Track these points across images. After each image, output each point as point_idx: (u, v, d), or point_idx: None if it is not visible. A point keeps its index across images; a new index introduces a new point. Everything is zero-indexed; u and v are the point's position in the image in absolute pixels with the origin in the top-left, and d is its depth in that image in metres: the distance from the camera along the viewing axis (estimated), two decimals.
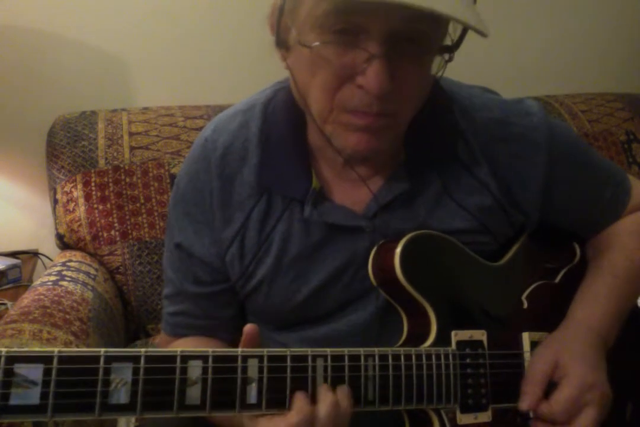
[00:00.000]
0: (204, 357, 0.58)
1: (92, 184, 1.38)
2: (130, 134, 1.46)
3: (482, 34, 0.58)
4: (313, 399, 0.62)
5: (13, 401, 0.51)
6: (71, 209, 1.37)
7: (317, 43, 0.64)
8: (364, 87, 0.64)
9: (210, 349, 0.59)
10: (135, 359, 0.56)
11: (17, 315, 0.99)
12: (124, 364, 0.55)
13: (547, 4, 2.03)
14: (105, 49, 1.64)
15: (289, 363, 0.61)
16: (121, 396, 0.55)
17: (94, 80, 1.65)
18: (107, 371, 0.54)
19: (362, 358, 0.65)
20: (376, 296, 0.78)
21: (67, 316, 1.03)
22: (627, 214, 0.91)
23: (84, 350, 0.55)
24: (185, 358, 0.57)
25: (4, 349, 0.52)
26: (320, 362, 0.63)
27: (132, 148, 1.44)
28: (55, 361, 0.53)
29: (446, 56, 0.68)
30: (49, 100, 1.61)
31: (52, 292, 1.11)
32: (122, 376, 0.55)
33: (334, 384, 0.63)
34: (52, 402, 0.52)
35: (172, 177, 1.41)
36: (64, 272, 1.23)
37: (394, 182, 0.78)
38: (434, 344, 0.72)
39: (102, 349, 0.55)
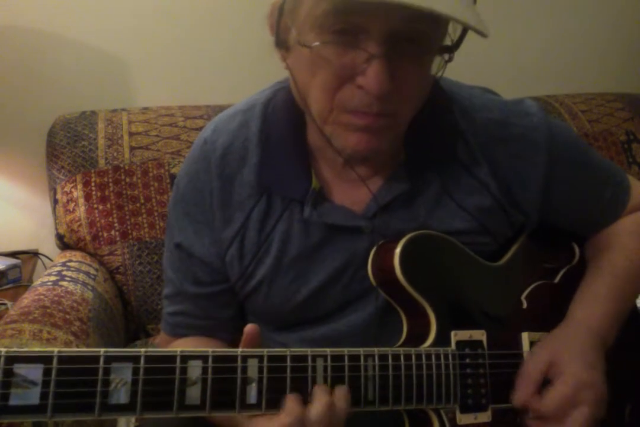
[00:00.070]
0: (203, 357, 0.58)
1: (92, 184, 1.38)
2: (130, 134, 1.46)
3: (482, 34, 0.58)
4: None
5: (13, 401, 0.51)
6: (71, 209, 1.37)
7: (316, 43, 0.64)
8: (364, 88, 0.64)
9: (210, 349, 0.59)
10: (135, 359, 0.56)
11: (17, 315, 0.99)
12: (123, 364, 0.55)
13: (547, 4, 2.03)
14: (105, 49, 1.64)
15: (288, 363, 0.61)
16: (121, 396, 0.55)
17: (94, 80, 1.65)
18: (106, 371, 0.54)
19: (362, 358, 0.65)
20: (375, 297, 0.78)
21: (67, 316, 1.03)
22: (626, 214, 0.91)
23: (83, 350, 0.55)
24: (185, 358, 0.57)
25: (3, 349, 0.52)
26: (320, 362, 0.63)
27: (132, 148, 1.44)
28: (55, 361, 0.53)
29: (446, 56, 0.68)
30: (49, 100, 1.61)
31: (52, 292, 1.11)
32: (122, 376, 0.55)
33: (334, 384, 0.63)
34: (51, 402, 0.52)
35: (172, 177, 1.41)
36: (64, 272, 1.23)
37: (394, 183, 0.78)
38: (433, 344, 0.72)
39: (102, 349, 0.55)
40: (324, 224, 0.77)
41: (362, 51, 0.63)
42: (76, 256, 1.35)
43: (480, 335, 0.75)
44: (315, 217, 0.76)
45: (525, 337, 0.78)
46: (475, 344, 0.74)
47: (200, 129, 1.15)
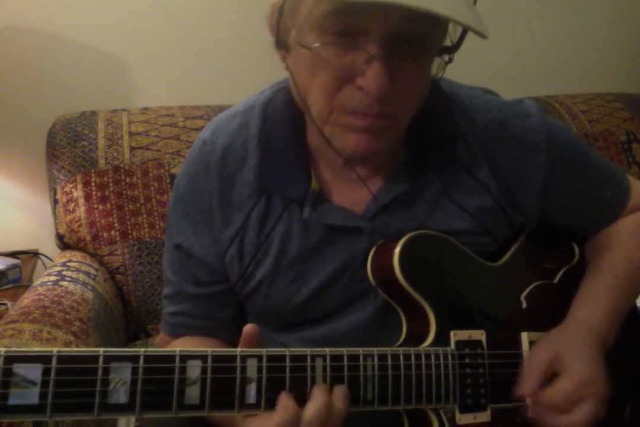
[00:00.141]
0: (203, 357, 0.58)
1: (92, 184, 1.38)
2: (130, 134, 1.46)
3: (482, 35, 0.58)
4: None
5: (12, 401, 0.51)
6: (71, 209, 1.37)
7: (316, 44, 0.64)
8: (364, 89, 0.64)
9: (209, 349, 0.59)
10: (134, 358, 0.56)
11: (17, 315, 0.99)
12: (123, 364, 0.55)
13: (547, 4, 2.03)
14: (105, 49, 1.64)
15: (288, 363, 0.61)
16: (120, 396, 0.54)
17: (94, 80, 1.65)
18: (106, 371, 0.54)
19: (361, 358, 0.65)
20: (375, 297, 0.78)
21: (67, 316, 1.03)
22: (626, 214, 0.91)
23: (82, 350, 0.55)
24: (184, 358, 0.57)
25: (2, 349, 0.52)
26: (319, 362, 0.63)
27: (132, 148, 1.44)
28: (54, 360, 0.53)
29: (446, 57, 0.68)
30: (49, 100, 1.61)
31: (52, 292, 1.11)
32: (121, 375, 0.55)
33: (333, 384, 0.63)
34: (50, 402, 0.52)
35: (172, 177, 1.41)
36: (64, 273, 1.23)
37: (394, 183, 0.78)
38: (432, 344, 0.72)
39: (101, 349, 0.55)
40: (323, 225, 0.77)
41: (362, 52, 0.62)
42: (76, 256, 1.35)
43: (479, 335, 0.75)
44: (315, 217, 0.76)
45: (524, 337, 0.78)
46: (474, 344, 0.74)
47: (200, 129, 1.14)
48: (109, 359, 0.55)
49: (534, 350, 0.76)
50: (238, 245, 0.79)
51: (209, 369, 0.58)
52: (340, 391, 0.63)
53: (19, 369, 0.52)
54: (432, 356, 0.69)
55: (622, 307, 0.84)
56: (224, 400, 0.59)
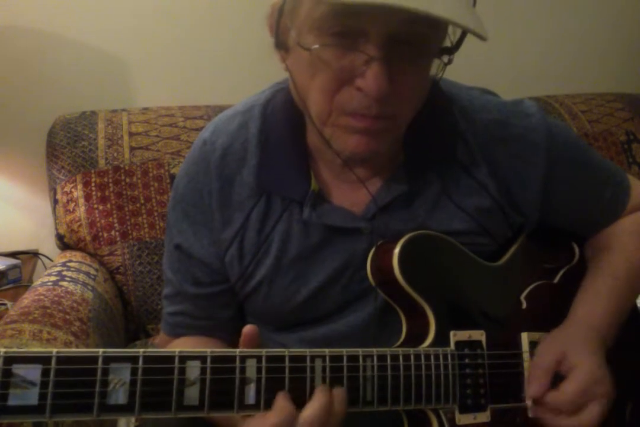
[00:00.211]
0: (202, 358, 0.58)
1: (92, 184, 1.38)
2: (130, 134, 1.46)
3: (481, 37, 0.58)
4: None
5: (11, 402, 0.51)
6: (71, 209, 1.37)
7: (316, 46, 0.64)
8: (363, 90, 0.64)
9: (208, 350, 0.58)
10: (133, 359, 0.56)
11: (17, 315, 0.99)
12: (122, 365, 0.55)
13: (547, 4, 2.03)
14: (105, 49, 1.64)
15: (287, 363, 0.61)
16: (119, 397, 0.54)
17: (94, 80, 1.65)
18: (105, 372, 0.54)
19: (361, 358, 0.65)
20: (374, 297, 0.78)
21: (67, 316, 1.03)
22: (626, 214, 0.91)
23: (82, 350, 0.55)
24: (184, 358, 0.57)
25: (2, 350, 0.52)
26: (318, 363, 0.63)
27: (132, 148, 1.44)
28: (53, 361, 0.53)
29: (445, 58, 0.68)
30: (49, 100, 1.61)
31: (52, 292, 1.11)
32: (121, 376, 0.55)
33: (332, 384, 0.63)
34: (50, 402, 0.52)
35: (172, 177, 1.41)
36: (64, 273, 1.23)
37: (393, 184, 0.78)
38: (432, 345, 0.72)
39: (101, 350, 0.55)
40: (323, 225, 0.77)
41: (361, 54, 0.62)
42: (76, 256, 1.35)
43: (479, 335, 0.75)
44: (315, 218, 0.76)
45: (524, 337, 0.78)
46: (474, 344, 0.74)
47: (200, 129, 1.14)
48: (108, 359, 0.55)
49: (539, 351, 0.76)
50: (238, 245, 0.79)
51: (208, 370, 0.58)
52: (339, 393, 0.62)
53: (19, 369, 0.52)
54: (432, 357, 0.69)
55: (622, 307, 0.84)
56: (223, 400, 0.59)
